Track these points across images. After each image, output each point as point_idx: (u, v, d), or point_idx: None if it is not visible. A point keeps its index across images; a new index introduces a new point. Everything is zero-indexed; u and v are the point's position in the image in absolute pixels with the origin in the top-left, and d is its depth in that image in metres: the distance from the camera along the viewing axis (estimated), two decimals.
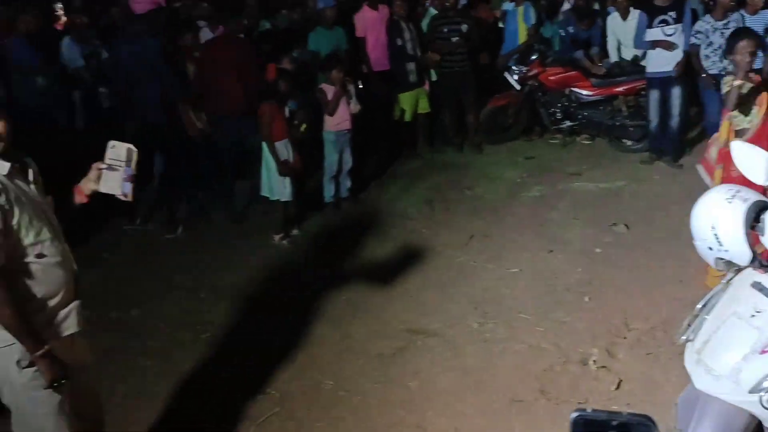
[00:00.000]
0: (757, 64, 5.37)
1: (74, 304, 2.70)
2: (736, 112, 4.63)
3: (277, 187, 5.92)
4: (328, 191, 6.58)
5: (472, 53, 7.92)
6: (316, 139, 6.51)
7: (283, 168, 5.83)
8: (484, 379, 3.99)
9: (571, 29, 8.31)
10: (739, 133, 4.65)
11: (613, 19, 7.89)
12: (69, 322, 2.68)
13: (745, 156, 2.76)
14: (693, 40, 6.83)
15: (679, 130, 7.23)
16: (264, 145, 5.84)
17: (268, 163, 5.87)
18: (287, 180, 5.90)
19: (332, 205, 6.63)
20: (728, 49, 4.90)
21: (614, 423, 0.88)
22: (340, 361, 4.24)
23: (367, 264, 5.52)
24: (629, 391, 3.80)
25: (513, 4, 8.38)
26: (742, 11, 6.83)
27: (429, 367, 4.15)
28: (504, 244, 5.76)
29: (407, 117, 7.86)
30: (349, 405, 3.83)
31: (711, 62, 6.78)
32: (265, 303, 5.05)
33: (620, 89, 7.73)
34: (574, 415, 0.88)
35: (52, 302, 2.61)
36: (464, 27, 7.76)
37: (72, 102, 7.74)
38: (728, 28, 6.50)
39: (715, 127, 6.93)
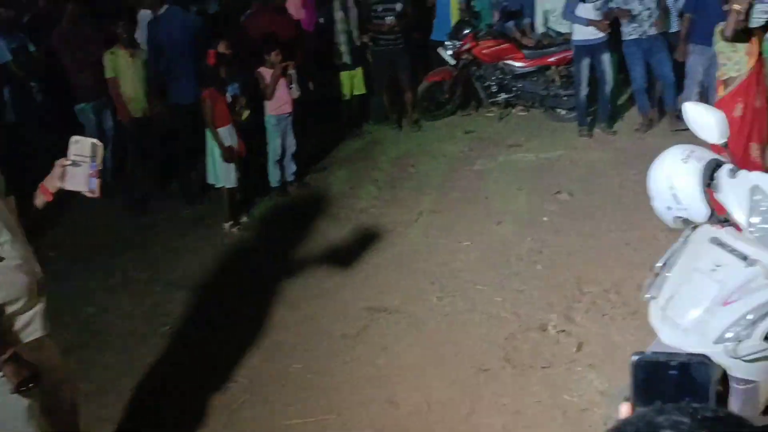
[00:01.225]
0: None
1: (39, 307, 2.60)
2: (725, 59, 4.78)
3: (222, 173, 5.83)
4: (274, 176, 6.51)
5: (406, 31, 7.93)
6: (258, 124, 6.41)
7: (228, 154, 5.74)
8: (449, 352, 4.05)
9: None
10: (727, 82, 4.81)
11: None
12: (33, 327, 2.58)
13: (698, 115, 2.86)
14: (613, 5, 6.99)
15: (611, 97, 7.41)
16: (207, 132, 5.73)
17: (213, 150, 5.77)
18: (232, 166, 5.81)
19: (278, 189, 6.56)
20: None
21: (673, 363, 0.92)
22: (306, 344, 4.24)
23: (320, 246, 5.51)
24: (590, 353, 3.92)
25: None
26: None
27: (394, 343, 4.18)
28: (453, 219, 5.83)
29: (345, 96, 7.85)
30: (320, 386, 3.84)
31: (631, 28, 6.96)
32: (222, 292, 5.00)
33: (552, 59, 7.88)
34: (635, 358, 0.91)
35: (14, 307, 2.50)
36: (398, 6, 7.76)
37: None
38: None
39: (643, 93, 7.22)
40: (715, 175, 2.75)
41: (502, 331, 4.20)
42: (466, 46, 8.00)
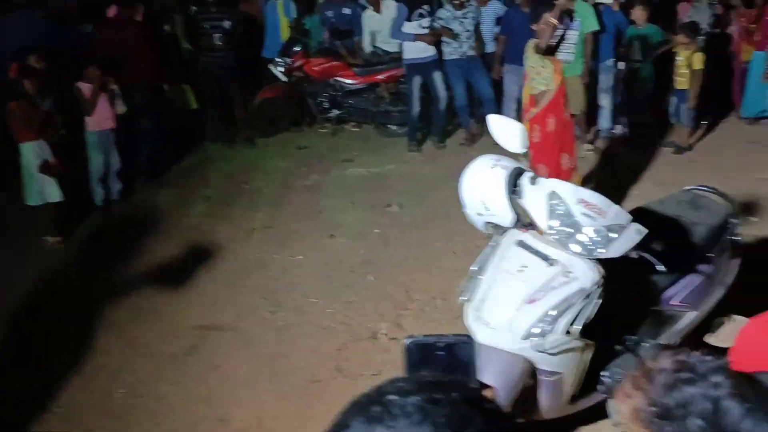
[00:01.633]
0: None
1: None
2: (535, 74, 5.08)
3: (42, 189, 5.48)
4: (97, 194, 6.19)
5: (235, 48, 7.87)
6: (79, 140, 6.08)
7: (45, 167, 5.41)
8: (281, 366, 4.05)
9: (330, 14, 8.54)
10: (537, 97, 5.13)
11: (369, 16, 8.24)
12: None
13: (501, 126, 3.08)
14: (436, 24, 7.32)
15: (442, 112, 7.71)
16: (21, 148, 5.38)
17: (28, 166, 5.42)
18: (53, 180, 5.49)
19: (102, 208, 6.24)
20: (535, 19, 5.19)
21: (440, 344, 1.00)
22: (131, 367, 4.06)
23: (149, 265, 5.30)
24: None
25: None
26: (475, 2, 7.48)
27: (225, 361, 4.11)
28: (286, 234, 5.83)
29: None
30: (146, 409, 3.69)
31: (452, 49, 7.34)
32: (39, 314, 4.66)
33: (381, 77, 8.11)
34: (407, 341, 0.98)
35: None
36: (227, 23, 7.68)
37: None
38: (466, 18, 7.14)
39: (465, 110, 7.62)
40: (518, 182, 2.96)
41: (334, 342, 4.25)
42: (297, 63, 8.06)
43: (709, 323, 3.41)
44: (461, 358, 1.01)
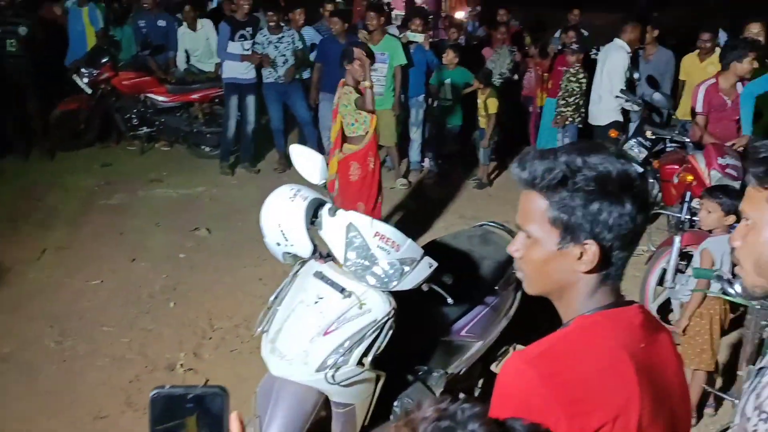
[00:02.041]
0: None
1: None
2: (352, 120, 5.08)
3: None
4: None
5: (33, 55, 7.32)
6: None
7: None
8: (65, 400, 3.75)
9: (142, 24, 8.21)
10: (353, 139, 5.12)
11: (183, 33, 8.03)
12: None
13: (303, 157, 3.09)
14: (257, 48, 7.32)
15: (252, 135, 7.66)
16: None
17: None
18: None
19: None
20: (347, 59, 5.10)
21: (190, 396, 0.95)
22: None
23: None
24: None
25: (76, 2, 7.99)
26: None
27: (2, 394, 3.74)
28: (83, 256, 5.47)
29: None
30: None
31: (268, 72, 7.34)
32: None
33: (195, 96, 7.92)
34: (153, 393, 0.92)
35: None
36: (22, 29, 7.14)
37: None
38: (282, 43, 7.18)
39: (280, 133, 7.62)
40: (319, 213, 2.98)
41: (127, 373, 4.02)
42: (105, 76, 7.66)
43: (495, 351, 3.65)
44: (213, 411, 0.96)
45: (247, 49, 7.28)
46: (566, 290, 1.35)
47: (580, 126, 7.12)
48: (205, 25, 7.82)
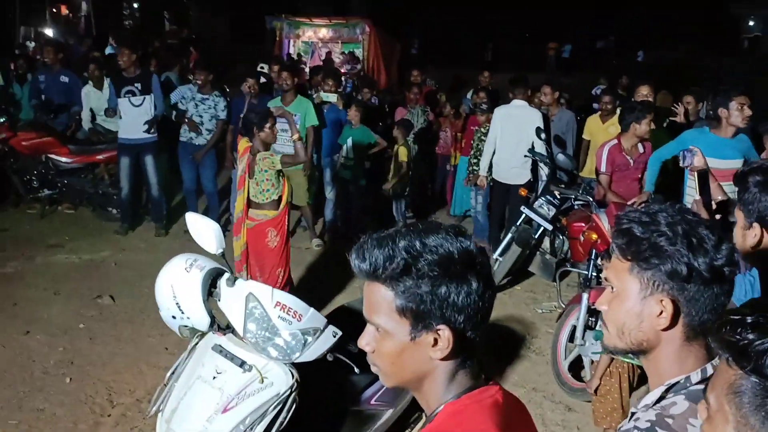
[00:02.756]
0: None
1: None
2: (269, 186, 5.01)
3: None
4: None
5: None
6: None
7: None
8: None
9: (42, 79, 7.96)
10: (265, 206, 5.03)
11: (89, 92, 7.82)
12: None
13: (198, 226, 2.96)
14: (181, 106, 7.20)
15: (159, 197, 7.43)
16: None
17: None
18: None
19: None
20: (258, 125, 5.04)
21: None
22: None
23: None
24: None
25: None
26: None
27: None
28: None
29: None
30: None
31: (183, 130, 7.24)
32: None
33: (100, 157, 7.65)
34: None
35: None
36: None
37: None
38: (203, 104, 7.07)
39: (192, 194, 7.44)
40: (217, 283, 2.85)
41: None
42: (2, 136, 7.33)
43: (407, 418, 3.55)
44: None
45: (138, 105, 7.08)
46: (425, 380, 1.30)
47: (491, 184, 7.23)
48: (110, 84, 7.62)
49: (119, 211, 7.52)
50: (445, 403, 1.28)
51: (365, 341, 1.32)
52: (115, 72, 7.28)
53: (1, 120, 7.34)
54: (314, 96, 7.72)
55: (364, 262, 1.25)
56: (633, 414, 1.41)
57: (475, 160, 7.23)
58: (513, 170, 6.70)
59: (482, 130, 7.23)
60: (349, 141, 7.27)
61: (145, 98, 7.05)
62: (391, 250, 1.22)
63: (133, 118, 7.07)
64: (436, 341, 1.24)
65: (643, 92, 6.39)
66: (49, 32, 21.22)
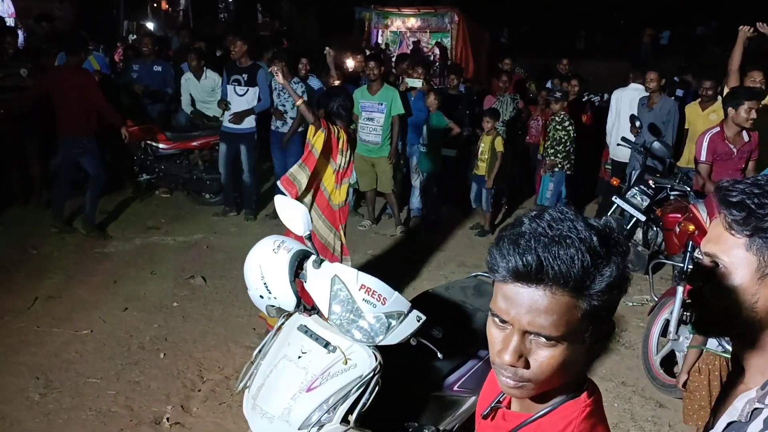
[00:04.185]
0: None
1: None
2: None
3: None
4: None
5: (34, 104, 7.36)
6: None
7: None
8: None
9: (136, 68, 8.28)
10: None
11: (188, 80, 8.08)
12: None
13: (286, 208, 3.01)
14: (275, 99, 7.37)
15: (251, 184, 7.62)
16: None
17: None
18: None
19: None
20: None
21: None
22: None
23: None
24: None
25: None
26: None
27: None
28: (74, 305, 5.37)
29: None
30: None
31: (273, 118, 7.40)
32: None
33: (195, 143, 7.91)
34: None
35: None
36: (23, 71, 7.20)
37: None
38: (285, 92, 7.17)
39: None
40: (304, 265, 2.89)
41: (111, 427, 3.89)
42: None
43: None
44: None
45: (241, 95, 7.27)
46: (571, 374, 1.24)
47: (569, 173, 7.10)
48: (209, 75, 7.85)
49: (214, 195, 7.77)
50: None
51: (515, 356, 1.16)
52: (228, 60, 7.56)
53: None
54: (400, 84, 7.72)
55: (544, 268, 1.09)
56: (754, 409, 1.23)
57: (552, 150, 7.09)
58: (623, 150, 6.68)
59: (556, 119, 7.09)
60: (425, 128, 7.26)
61: (248, 90, 7.26)
62: (575, 250, 1.10)
63: (235, 108, 7.29)
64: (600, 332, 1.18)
65: (756, 78, 6.00)
66: (150, 26, 22.06)
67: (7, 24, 12.72)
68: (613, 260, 1.11)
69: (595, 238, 1.11)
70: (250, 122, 7.36)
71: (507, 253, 1.12)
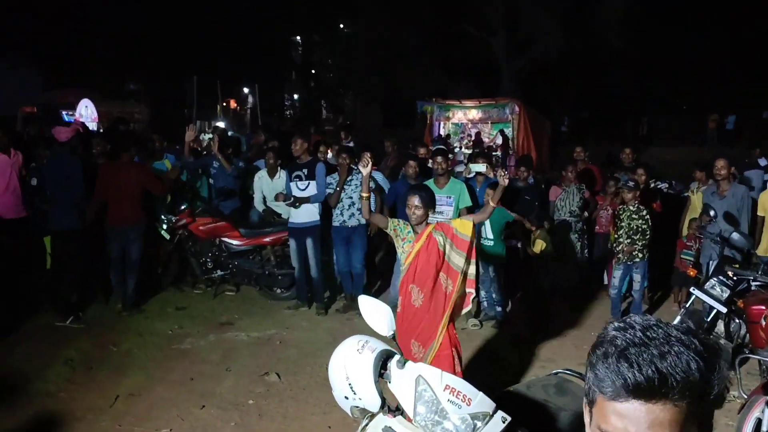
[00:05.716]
0: None
1: None
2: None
3: None
4: None
5: None
6: None
7: None
8: None
9: (214, 170, 8.65)
10: None
11: (261, 178, 8.37)
12: None
13: (370, 309, 3.05)
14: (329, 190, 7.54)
15: (319, 278, 7.72)
16: None
17: None
18: None
19: None
20: None
21: None
22: None
23: None
24: None
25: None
26: None
27: None
28: (153, 403, 5.45)
29: (48, 265, 7.30)
30: None
31: (335, 215, 7.56)
32: None
33: (268, 239, 8.12)
34: None
35: None
36: None
37: None
38: (349, 185, 7.35)
39: (347, 276, 7.67)
40: (388, 365, 2.90)
41: None
42: (182, 221, 7.98)
43: None
44: None
45: (303, 190, 7.47)
46: None
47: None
48: (282, 175, 8.12)
49: (286, 289, 7.91)
50: None
51: None
52: (290, 158, 7.84)
53: (183, 207, 8.01)
54: (464, 170, 7.85)
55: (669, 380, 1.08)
56: None
57: (629, 240, 7.01)
58: None
59: (631, 207, 7.04)
60: (487, 223, 7.27)
61: (309, 183, 7.48)
62: (687, 357, 1.08)
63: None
64: None
65: None
66: (220, 124, 23.10)
67: (90, 128, 13.58)
68: (718, 361, 1.10)
69: (695, 341, 1.10)
70: (314, 215, 7.53)
71: (619, 369, 1.10)
